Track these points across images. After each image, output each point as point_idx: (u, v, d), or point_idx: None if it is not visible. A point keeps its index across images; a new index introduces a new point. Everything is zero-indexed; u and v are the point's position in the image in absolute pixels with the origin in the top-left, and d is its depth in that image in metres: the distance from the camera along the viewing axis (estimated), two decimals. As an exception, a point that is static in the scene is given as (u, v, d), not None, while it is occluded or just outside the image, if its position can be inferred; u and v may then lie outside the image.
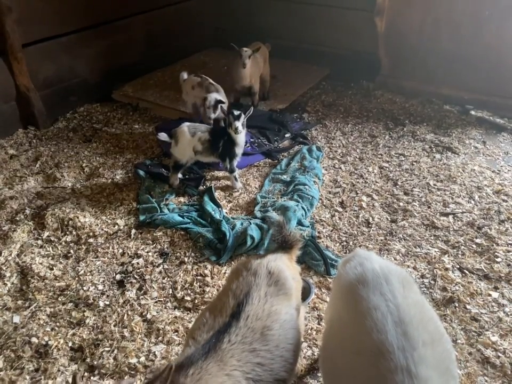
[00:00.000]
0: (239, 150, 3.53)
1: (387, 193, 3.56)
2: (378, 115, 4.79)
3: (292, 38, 5.86)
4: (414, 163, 3.94)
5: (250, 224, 3.14)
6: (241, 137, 3.46)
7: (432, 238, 3.08)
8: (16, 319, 2.52)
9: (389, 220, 3.28)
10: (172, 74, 5.49)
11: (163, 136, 3.53)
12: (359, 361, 1.41)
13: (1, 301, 2.64)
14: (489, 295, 2.61)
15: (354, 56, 5.50)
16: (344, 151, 4.12)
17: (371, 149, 4.17)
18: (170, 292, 2.69)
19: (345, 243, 3.07)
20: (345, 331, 1.54)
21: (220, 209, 3.40)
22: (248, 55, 4.28)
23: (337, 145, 4.23)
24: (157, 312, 2.55)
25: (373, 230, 3.17)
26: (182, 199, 3.57)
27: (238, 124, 3.35)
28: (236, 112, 3.38)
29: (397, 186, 3.64)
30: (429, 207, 3.38)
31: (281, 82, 5.30)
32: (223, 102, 3.86)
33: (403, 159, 4.02)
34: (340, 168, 3.89)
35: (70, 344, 2.38)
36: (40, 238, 3.10)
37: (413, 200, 3.46)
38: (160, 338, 2.39)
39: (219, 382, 1.33)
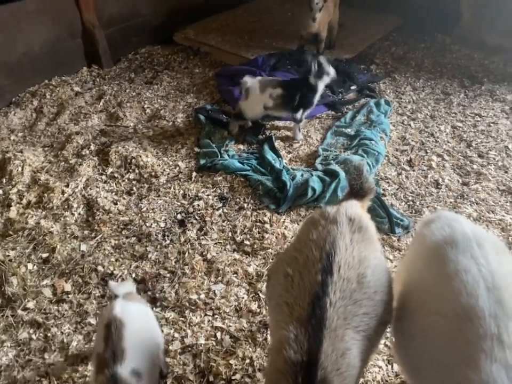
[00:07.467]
0: (316, 98, 3.40)
1: (459, 154, 3.32)
2: (453, 71, 4.42)
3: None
4: (491, 124, 3.64)
5: (312, 175, 3.05)
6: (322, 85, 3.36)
7: (508, 204, 2.87)
8: (83, 247, 2.63)
9: (460, 182, 3.07)
10: (235, 19, 5.31)
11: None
12: (442, 323, 1.33)
13: (69, 229, 2.75)
14: None
15: (430, 6, 5.02)
16: (414, 107, 3.86)
17: (444, 107, 3.88)
18: (230, 235, 2.69)
19: (411, 203, 2.92)
20: (428, 292, 1.45)
21: (279, 159, 3.31)
22: (319, 8, 4.03)
23: (407, 100, 3.97)
24: (217, 253, 2.57)
25: (442, 191, 2.99)
26: (241, 146, 3.51)
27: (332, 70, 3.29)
28: (323, 59, 3.29)
29: (471, 148, 3.39)
30: (506, 172, 3.13)
31: (349, 31, 4.97)
32: None
33: (479, 119, 3.71)
34: (409, 125, 3.66)
35: (133, 275, 2.46)
36: (104, 173, 3.17)
37: (488, 164, 3.21)
38: (219, 278, 2.42)
39: (342, 352, 1.28)
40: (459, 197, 2.94)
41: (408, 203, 2.92)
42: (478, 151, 3.35)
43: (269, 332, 2.15)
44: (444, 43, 4.89)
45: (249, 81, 3.33)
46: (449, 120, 3.70)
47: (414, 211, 2.86)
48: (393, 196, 2.98)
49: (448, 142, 3.46)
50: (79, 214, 2.86)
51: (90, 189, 3.02)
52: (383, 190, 3.02)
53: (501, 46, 4.59)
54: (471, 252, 1.38)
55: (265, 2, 5.75)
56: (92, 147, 3.41)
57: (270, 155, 3.32)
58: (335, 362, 1.26)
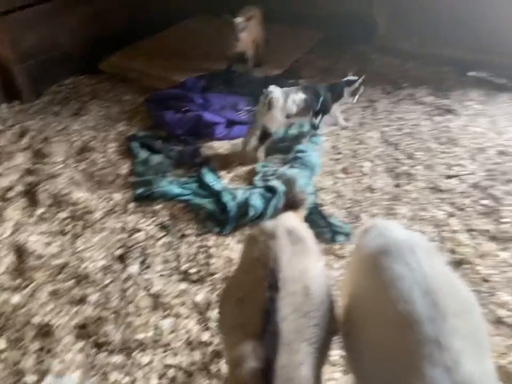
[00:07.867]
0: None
1: (389, 157, 3.48)
2: (375, 79, 4.64)
3: (282, 1, 5.60)
4: (414, 126, 3.85)
5: (253, 193, 3.05)
6: None
7: (437, 201, 3.03)
8: (16, 298, 2.43)
9: (393, 184, 3.21)
10: (160, 43, 5.26)
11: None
12: (385, 333, 1.33)
13: (-2, 281, 2.54)
14: (498, 255, 2.58)
15: (349, 18, 5.29)
16: (343, 117, 4.00)
17: (370, 114, 4.06)
18: (174, 265, 2.61)
19: (350, 209, 3.00)
20: (368, 303, 1.46)
21: (219, 179, 3.29)
22: (241, 27, 4.10)
23: (336, 110, 4.11)
24: (162, 286, 2.48)
25: (377, 195, 3.10)
26: (179, 171, 3.45)
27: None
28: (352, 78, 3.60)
29: (399, 150, 3.56)
30: (433, 170, 3.31)
31: (274, 47, 5.09)
32: None
33: (403, 122, 3.92)
34: (340, 134, 3.79)
35: (74, 322, 2.30)
36: (34, 215, 2.98)
37: (416, 164, 3.39)
38: (167, 312, 2.33)
39: (297, 365, 1.27)
40: (393, 199, 3.06)
41: (347, 210, 3.00)
42: (406, 153, 3.52)
43: (222, 361, 2.09)
44: (364, 53, 5.15)
45: (274, 90, 3.22)
46: (376, 126, 3.87)
47: (353, 217, 2.94)
48: (332, 205, 3.04)
49: (377, 147, 3.61)
50: (8, 262, 2.65)
51: (20, 233, 2.83)
52: (322, 200, 3.08)
53: (415, 52, 4.91)
54: (404, 259, 1.40)
55: (188, 25, 5.76)
56: (18, 188, 3.21)
57: (209, 177, 3.29)
58: (290, 375, 1.25)
